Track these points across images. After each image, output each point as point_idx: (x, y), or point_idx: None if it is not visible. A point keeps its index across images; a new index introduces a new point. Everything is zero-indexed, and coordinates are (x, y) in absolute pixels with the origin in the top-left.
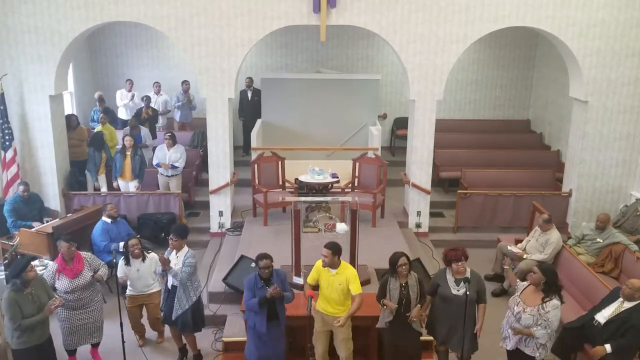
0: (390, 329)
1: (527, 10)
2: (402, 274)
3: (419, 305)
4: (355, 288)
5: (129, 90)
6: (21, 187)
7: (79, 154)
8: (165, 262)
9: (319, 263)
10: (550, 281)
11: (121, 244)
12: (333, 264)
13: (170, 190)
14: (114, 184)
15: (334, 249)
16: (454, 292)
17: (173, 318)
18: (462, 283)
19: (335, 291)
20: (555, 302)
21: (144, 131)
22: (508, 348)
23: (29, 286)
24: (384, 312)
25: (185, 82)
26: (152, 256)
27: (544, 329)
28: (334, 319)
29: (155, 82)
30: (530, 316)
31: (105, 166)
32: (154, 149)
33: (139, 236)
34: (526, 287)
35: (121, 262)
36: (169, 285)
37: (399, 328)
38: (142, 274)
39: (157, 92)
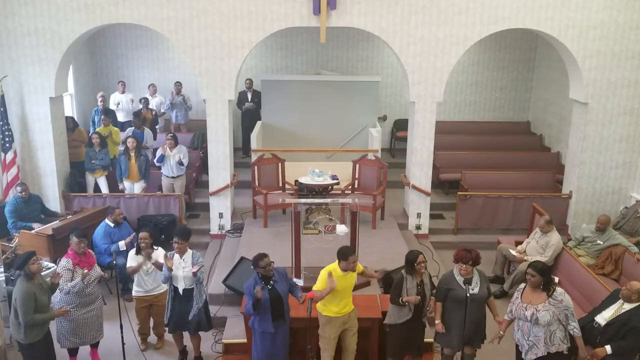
0: (404, 325)
1: (527, 12)
2: (419, 272)
3: (432, 298)
4: (360, 267)
5: (122, 92)
6: (19, 189)
7: (78, 156)
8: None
9: (326, 273)
10: (548, 279)
11: (120, 242)
12: None
13: (175, 192)
14: (120, 186)
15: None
16: (468, 292)
17: (190, 318)
18: (472, 281)
19: (349, 288)
20: (559, 289)
21: (147, 132)
22: (539, 354)
23: (35, 277)
24: (401, 310)
25: (177, 83)
26: (160, 252)
27: (572, 316)
28: (349, 316)
29: (151, 84)
30: (546, 312)
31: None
32: (154, 150)
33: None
34: (523, 290)
35: (131, 252)
36: (180, 290)
37: (410, 324)
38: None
39: (153, 94)
